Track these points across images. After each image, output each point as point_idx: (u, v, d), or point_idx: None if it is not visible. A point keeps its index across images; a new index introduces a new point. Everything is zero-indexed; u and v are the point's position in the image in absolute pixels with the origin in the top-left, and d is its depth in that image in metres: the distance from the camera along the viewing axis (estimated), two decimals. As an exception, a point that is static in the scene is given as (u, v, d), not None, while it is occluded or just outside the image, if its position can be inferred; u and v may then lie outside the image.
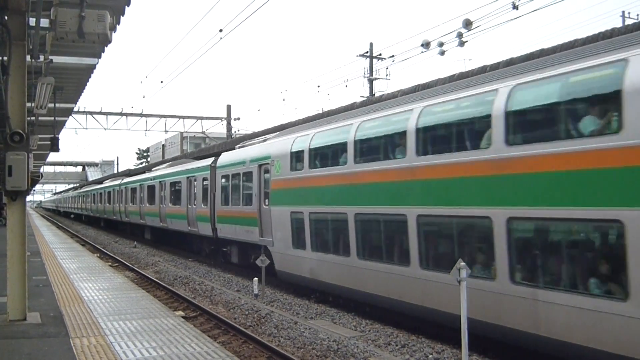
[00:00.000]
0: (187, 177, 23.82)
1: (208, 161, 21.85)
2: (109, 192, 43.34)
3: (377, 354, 9.28)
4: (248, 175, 17.21)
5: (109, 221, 46.44)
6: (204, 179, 21.65)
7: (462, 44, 19.85)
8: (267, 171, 15.81)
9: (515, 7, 16.10)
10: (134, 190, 34.67)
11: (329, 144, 13.25)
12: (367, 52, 30.51)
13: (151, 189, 30.37)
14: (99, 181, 61.25)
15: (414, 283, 10.12)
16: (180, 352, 7.75)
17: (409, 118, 10.38)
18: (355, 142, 11.87)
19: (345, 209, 11.99)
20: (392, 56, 29.34)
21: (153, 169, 34.13)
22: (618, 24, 34.38)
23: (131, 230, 38.20)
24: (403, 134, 10.50)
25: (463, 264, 7.83)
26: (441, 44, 21.41)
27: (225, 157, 19.93)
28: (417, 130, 10.12)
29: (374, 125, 11.79)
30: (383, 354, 9.34)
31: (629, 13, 32.10)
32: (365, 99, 21.29)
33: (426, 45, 21.87)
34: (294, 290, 15.50)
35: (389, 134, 11.36)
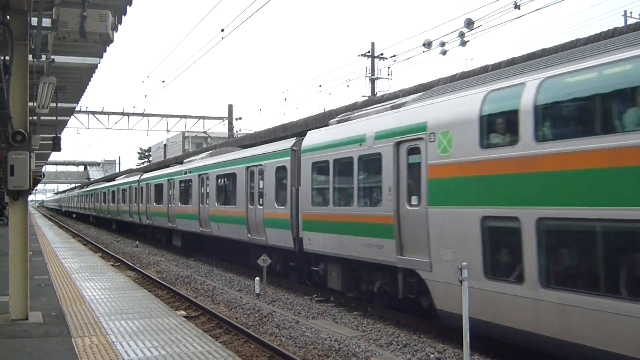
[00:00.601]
0: (247, 168, 17.85)
1: (286, 144, 16.03)
2: (124, 190, 36.60)
3: (378, 353, 9.27)
4: (371, 160, 11.71)
5: (123, 224, 39.51)
6: (279, 169, 15.86)
7: (463, 43, 19.88)
8: (414, 151, 10.45)
9: (517, 6, 16.11)
10: (159, 186, 28.12)
11: (593, 93, 7.70)
12: (368, 51, 30.56)
13: (185, 184, 24.21)
14: (111, 178, 52.85)
15: None
16: (181, 351, 7.76)
17: None
18: None
19: None
20: (394, 56, 29.40)
21: (185, 160, 27.41)
22: (620, 23, 34.38)
23: (153, 236, 31.76)
24: None
25: (464, 264, 7.84)
26: (443, 44, 21.44)
27: (318, 137, 14.15)
28: None
29: None
30: (385, 353, 9.34)
31: (630, 13, 32.00)
32: (367, 98, 21.27)
33: (428, 44, 21.90)
34: (295, 290, 15.48)
35: None
